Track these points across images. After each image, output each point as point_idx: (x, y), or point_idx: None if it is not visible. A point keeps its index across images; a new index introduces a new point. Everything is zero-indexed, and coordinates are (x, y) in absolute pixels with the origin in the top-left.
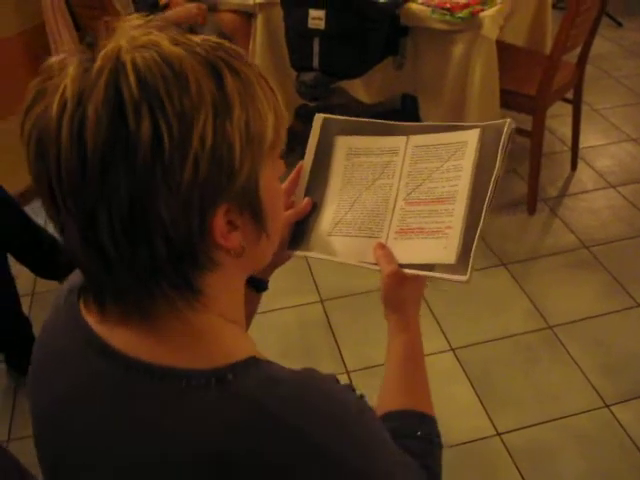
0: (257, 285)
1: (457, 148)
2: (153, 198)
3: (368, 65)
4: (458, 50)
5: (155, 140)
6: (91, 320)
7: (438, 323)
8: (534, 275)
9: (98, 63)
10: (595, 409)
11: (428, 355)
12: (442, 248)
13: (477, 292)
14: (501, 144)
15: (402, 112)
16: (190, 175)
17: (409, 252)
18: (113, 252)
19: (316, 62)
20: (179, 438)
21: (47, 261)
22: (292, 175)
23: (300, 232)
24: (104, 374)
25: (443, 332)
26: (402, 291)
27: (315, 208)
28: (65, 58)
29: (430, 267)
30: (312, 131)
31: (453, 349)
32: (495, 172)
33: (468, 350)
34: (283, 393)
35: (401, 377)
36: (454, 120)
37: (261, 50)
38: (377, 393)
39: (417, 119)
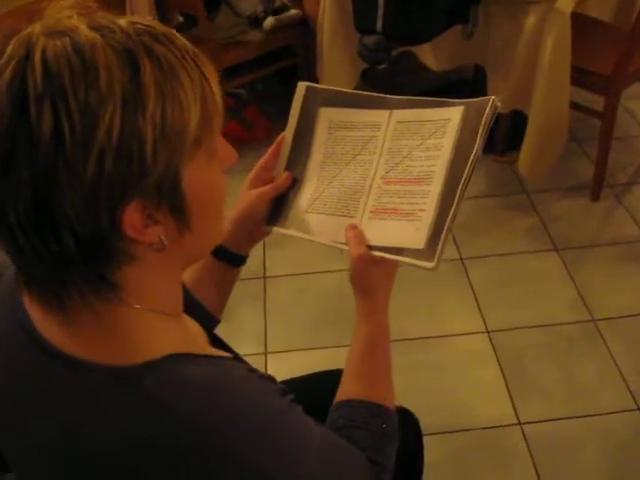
0: (233, 259)
1: (439, 125)
2: (56, 193)
3: (433, 32)
4: (530, 22)
5: (56, 135)
6: (27, 302)
7: (477, 302)
8: (586, 264)
9: (10, 48)
10: (627, 411)
11: (461, 335)
12: (414, 231)
13: (523, 275)
14: (482, 123)
15: (473, 82)
16: (94, 171)
17: (381, 233)
18: (23, 241)
19: (379, 25)
20: (85, 431)
21: None
22: (272, 148)
23: (279, 208)
24: (31, 354)
25: (481, 312)
26: (370, 275)
27: (295, 183)
28: None
29: (399, 251)
30: (294, 101)
31: (488, 331)
32: (473, 153)
33: (503, 334)
34: (192, 396)
35: (361, 365)
36: (522, 96)
37: (330, 9)
38: (409, 367)
39: (486, 92)
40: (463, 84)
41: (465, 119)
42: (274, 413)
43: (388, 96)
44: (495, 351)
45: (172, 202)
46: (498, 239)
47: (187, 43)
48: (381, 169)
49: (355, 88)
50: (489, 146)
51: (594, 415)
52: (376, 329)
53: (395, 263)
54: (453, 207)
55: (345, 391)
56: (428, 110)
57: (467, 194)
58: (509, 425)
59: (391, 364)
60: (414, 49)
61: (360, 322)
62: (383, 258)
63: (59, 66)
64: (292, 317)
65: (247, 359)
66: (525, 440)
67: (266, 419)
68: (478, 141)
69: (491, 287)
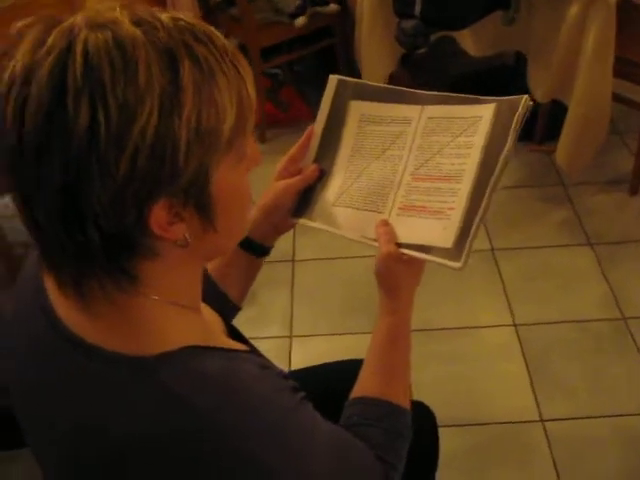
0: (258, 250)
1: (471, 123)
2: (86, 187)
3: (472, 17)
4: (574, 11)
5: (91, 130)
6: (49, 284)
7: (506, 295)
8: (620, 260)
9: (51, 38)
10: None
11: (488, 327)
12: (442, 229)
13: (555, 269)
14: (514, 122)
15: (514, 68)
16: (126, 169)
17: (409, 230)
18: (48, 230)
19: (417, 9)
20: (97, 423)
21: None
22: (301, 140)
23: (306, 200)
24: (51, 340)
25: (509, 305)
26: (398, 273)
27: (323, 175)
28: (26, 26)
29: (427, 249)
30: (325, 93)
31: (516, 325)
32: (504, 153)
33: (531, 328)
34: (209, 390)
35: (379, 364)
36: (563, 86)
37: None
38: (433, 357)
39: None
40: (504, 70)
41: (497, 117)
42: (285, 410)
43: (420, 91)
44: (521, 345)
45: (199, 202)
46: (531, 231)
47: (226, 43)
48: (410, 165)
49: (393, 73)
50: (527, 135)
51: (619, 415)
52: (397, 328)
53: (423, 262)
54: (482, 206)
55: (361, 387)
56: (460, 107)
57: (502, 183)
58: (531, 421)
59: (409, 363)
60: (453, 34)
61: (382, 319)
62: (411, 257)
63: (100, 60)
64: (319, 302)
65: (272, 342)
66: (546, 437)
67: (277, 416)
68: (510, 140)
69: (521, 280)
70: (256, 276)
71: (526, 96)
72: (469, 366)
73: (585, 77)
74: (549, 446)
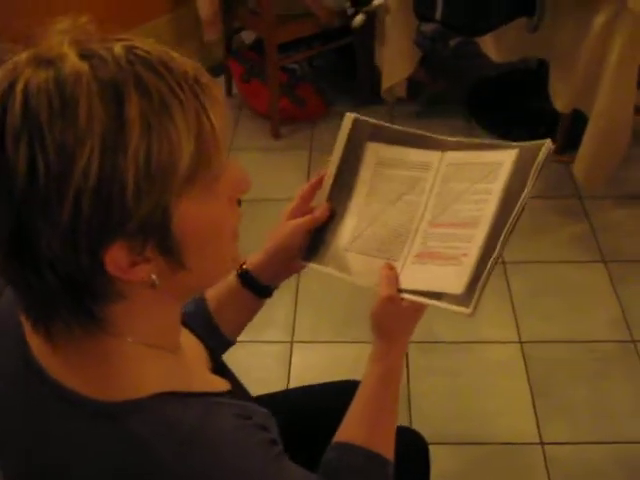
0: (261, 291)
1: (490, 170)
2: (33, 232)
3: (495, 23)
4: (599, 21)
5: (31, 173)
6: (23, 320)
7: (514, 311)
8: (633, 280)
9: None
10: None
11: (492, 342)
12: (454, 276)
13: (566, 285)
14: (534, 168)
15: (537, 73)
16: (70, 213)
17: (422, 278)
18: (8, 273)
19: (439, 13)
20: (57, 464)
21: None
22: (313, 180)
23: (317, 242)
24: (22, 380)
25: (516, 321)
26: (393, 319)
27: (335, 216)
28: None
29: (438, 296)
30: (340, 131)
31: (521, 342)
32: (521, 199)
33: (536, 346)
34: (174, 441)
35: (366, 409)
36: (585, 97)
37: None
38: (434, 371)
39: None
40: (526, 74)
41: (517, 163)
42: (258, 468)
43: (441, 137)
44: (525, 363)
45: (161, 242)
46: (543, 245)
47: (189, 69)
48: (429, 213)
49: (412, 74)
50: None
51: (622, 443)
52: (387, 375)
53: (421, 310)
54: (495, 253)
55: (346, 433)
56: (481, 152)
57: None
58: (530, 443)
59: (397, 412)
60: (475, 38)
61: (373, 364)
62: (412, 304)
63: (38, 101)
64: (322, 309)
65: (273, 346)
66: (545, 461)
67: (249, 474)
68: (528, 187)
69: (530, 295)
70: (254, 315)
71: (548, 141)
72: (470, 382)
73: (607, 89)
74: (547, 470)
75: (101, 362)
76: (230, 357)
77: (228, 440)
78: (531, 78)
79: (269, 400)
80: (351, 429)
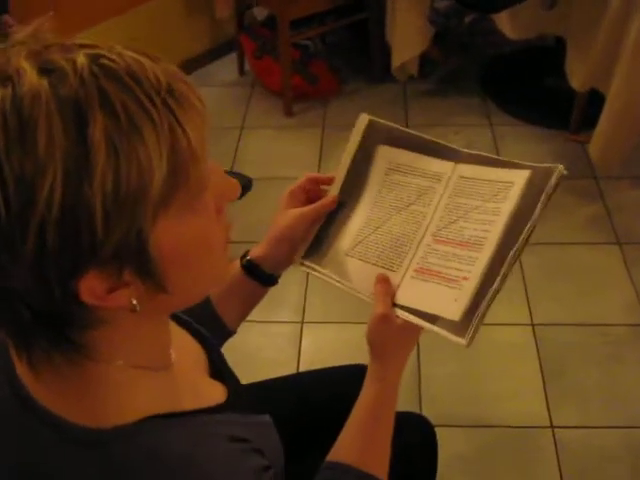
0: (265, 279)
1: (502, 188)
2: (1, 267)
3: (511, 0)
4: (617, 1)
5: None
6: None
7: (526, 292)
8: None
9: None
10: None
11: (504, 324)
12: (452, 300)
13: (579, 267)
14: (545, 193)
15: (555, 51)
16: (35, 247)
17: (419, 295)
18: None
19: None
20: None
21: None
22: (322, 176)
23: (320, 241)
24: (11, 401)
25: (529, 303)
26: (389, 338)
27: (340, 217)
28: None
29: (434, 319)
30: (353, 132)
31: (533, 324)
32: (528, 226)
33: (549, 329)
34: (163, 470)
35: (361, 430)
36: (601, 76)
37: None
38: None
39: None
40: (543, 51)
41: (529, 186)
42: None
43: (455, 147)
44: (537, 346)
45: (139, 266)
46: (557, 226)
47: (162, 78)
48: (433, 225)
49: (425, 53)
50: (562, 123)
51: (634, 427)
52: (383, 398)
53: (419, 330)
54: (496, 282)
55: (340, 452)
56: (494, 169)
57: None
58: (540, 427)
59: (392, 432)
60: (490, 15)
61: (369, 385)
62: (407, 323)
63: None
64: (333, 289)
65: (284, 326)
66: (555, 445)
67: None
68: (536, 213)
69: (543, 277)
70: (257, 304)
71: (560, 167)
72: (480, 365)
73: (625, 69)
74: (557, 454)
75: (86, 389)
76: (240, 337)
77: (218, 469)
78: (548, 56)
79: (278, 384)
80: (346, 449)
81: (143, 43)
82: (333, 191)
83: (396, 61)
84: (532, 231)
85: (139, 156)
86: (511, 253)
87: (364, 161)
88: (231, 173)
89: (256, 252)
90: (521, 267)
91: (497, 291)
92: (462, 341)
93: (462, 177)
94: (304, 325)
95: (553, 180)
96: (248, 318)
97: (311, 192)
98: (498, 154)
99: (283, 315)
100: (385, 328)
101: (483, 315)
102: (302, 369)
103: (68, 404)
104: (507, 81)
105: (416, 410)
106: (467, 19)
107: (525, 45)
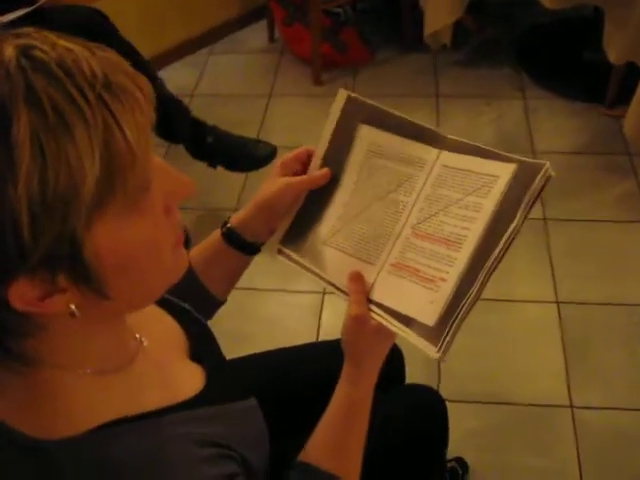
0: (246, 248)
1: (485, 182)
2: None
3: None
4: None
5: None
6: None
7: (552, 268)
8: None
9: None
10: None
11: (528, 301)
12: (428, 302)
13: (608, 246)
14: (529, 192)
15: (593, 23)
16: None
17: (394, 293)
18: None
19: None
20: None
21: (166, 120)
22: (302, 149)
23: (298, 225)
24: None
25: (554, 280)
26: (364, 340)
27: (319, 197)
28: None
29: (408, 320)
30: (332, 109)
31: (558, 302)
32: (509, 230)
33: (574, 307)
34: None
35: (332, 433)
36: (638, 48)
37: None
38: (466, 328)
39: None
40: (581, 23)
41: (513, 182)
42: None
43: (440, 132)
44: (561, 325)
45: (73, 271)
46: (588, 202)
47: (98, 70)
48: (413, 217)
49: (459, 21)
50: (597, 97)
51: None
52: (355, 402)
53: (391, 338)
54: (474, 288)
55: (310, 454)
56: (478, 160)
57: (562, 147)
58: (559, 406)
59: (364, 439)
60: None
61: (342, 387)
62: (382, 326)
63: None
64: None
65: (304, 297)
66: (574, 425)
67: None
68: (519, 214)
69: (570, 254)
70: (242, 273)
71: (548, 164)
72: (502, 341)
73: None
74: (575, 434)
75: (33, 398)
76: (260, 306)
77: (174, 475)
78: (586, 28)
79: (262, 359)
80: (316, 452)
81: (174, 9)
82: (311, 170)
83: (429, 28)
84: (513, 238)
85: (68, 156)
86: (490, 259)
87: (344, 140)
88: (256, 141)
89: (236, 218)
90: (547, 243)
91: (475, 299)
92: (434, 350)
93: (445, 166)
94: (325, 296)
95: (537, 179)
96: (268, 287)
97: (307, 165)
98: (530, 127)
99: (304, 285)
100: (359, 330)
101: (458, 325)
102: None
103: (17, 413)
104: (543, 53)
105: (434, 385)
106: None
107: (563, 16)
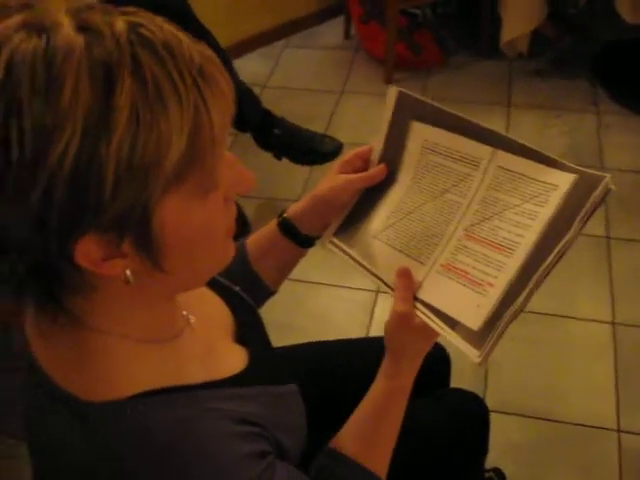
0: (300, 240)
1: (543, 190)
2: (3, 212)
3: None
4: None
5: (5, 149)
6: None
7: (611, 288)
8: None
9: None
10: None
11: (584, 320)
12: (475, 306)
13: None
14: (586, 206)
15: None
16: (40, 200)
17: (442, 294)
18: None
19: None
20: (50, 449)
21: (236, 111)
22: (355, 152)
23: (351, 220)
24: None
25: (612, 299)
26: (406, 337)
27: (375, 193)
28: None
29: (453, 323)
30: (385, 106)
31: (614, 322)
32: (564, 240)
33: (631, 330)
34: (148, 452)
35: (365, 426)
36: None
37: None
38: (519, 340)
39: None
40: None
41: (572, 193)
42: None
43: (495, 131)
44: (615, 346)
45: (138, 238)
46: None
47: (196, 57)
48: (467, 219)
49: (538, 28)
50: None
51: None
52: (392, 395)
53: (434, 337)
54: (521, 297)
55: (342, 442)
56: (536, 165)
57: (633, 165)
58: (606, 429)
59: (397, 433)
60: None
61: (380, 380)
62: (426, 325)
63: (22, 72)
64: None
65: (358, 293)
66: (619, 450)
67: None
68: (575, 227)
69: (632, 276)
70: (296, 264)
71: (607, 178)
72: (554, 357)
73: None
74: (619, 459)
75: (80, 359)
76: (313, 299)
77: (204, 455)
78: None
79: (303, 350)
80: (348, 441)
81: (253, 0)
82: (370, 167)
83: (506, 36)
84: (566, 250)
85: (160, 128)
86: (540, 269)
87: (398, 137)
88: (322, 136)
89: (293, 210)
90: (609, 262)
91: (521, 308)
92: (476, 355)
93: (501, 167)
94: (378, 295)
95: (597, 191)
96: (321, 281)
97: (369, 163)
98: (600, 143)
99: (358, 282)
100: (403, 327)
101: (502, 331)
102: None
103: (65, 373)
104: (621, 68)
105: (480, 393)
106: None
107: None
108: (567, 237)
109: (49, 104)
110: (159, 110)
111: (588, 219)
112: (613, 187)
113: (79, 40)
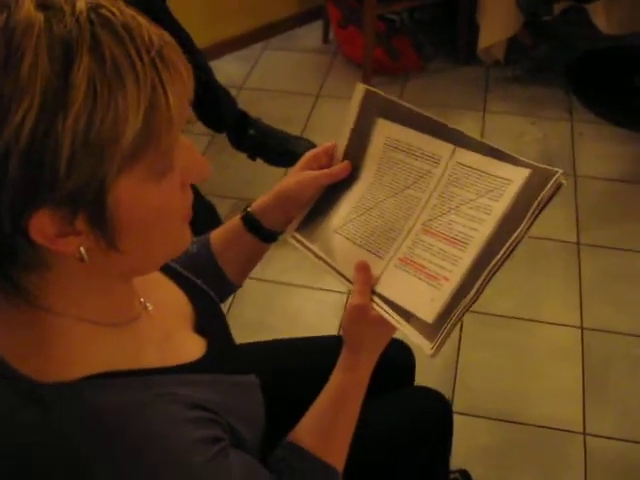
0: (263, 235)
1: (498, 185)
2: None
3: None
4: None
5: None
6: None
7: (580, 294)
8: None
9: None
10: None
11: (553, 324)
12: (429, 299)
13: None
14: (537, 200)
15: None
16: None
17: (399, 288)
18: None
19: None
20: None
21: (212, 107)
22: (320, 149)
23: (314, 215)
24: None
25: (581, 306)
26: (363, 330)
27: (336, 190)
28: None
29: (408, 315)
30: (351, 103)
31: (582, 328)
32: (514, 235)
33: (598, 335)
34: (97, 433)
35: (324, 418)
36: None
37: None
38: (488, 344)
39: None
40: (636, 50)
41: (526, 187)
42: (190, 470)
43: (453, 127)
44: (583, 351)
45: (93, 215)
46: (625, 231)
47: (155, 39)
48: (425, 214)
49: (514, 36)
50: None
51: None
52: (348, 388)
53: (391, 330)
54: (472, 290)
55: (299, 435)
56: (493, 161)
57: (605, 173)
58: (572, 432)
59: (352, 428)
60: (584, 4)
61: (337, 373)
62: (382, 317)
63: None
64: None
65: (330, 295)
66: (584, 452)
67: (177, 475)
68: (525, 221)
69: (600, 281)
70: (260, 259)
71: (559, 172)
72: (522, 360)
73: None
74: (585, 463)
75: (35, 339)
76: (284, 299)
77: (156, 439)
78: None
79: (262, 348)
80: (305, 434)
81: (232, 2)
82: (334, 164)
83: (483, 42)
84: (517, 244)
85: (117, 105)
86: (491, 264)
87: (363, 134)
88: (297, 138)
89: (257, 204)
90: (579, 268)
91: (472, 302)
92: (429, 347)
93: (460, 163)
94: (350, 296)
95: (547, 188)
96: (294, 282)
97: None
98: (574, 150)
99: (330, 283)
100: (360, 319)
101: (454, 324)
102: None
103: (17, 352)
104: (595, 77)
105: (448, 395)
106: (561, 6)
107: (620, 43)
108: (517, 232)
109: (7, 76)
110: (116, 88)
111: (539, 214)
112: (564, 182)
113: (39, 16)
